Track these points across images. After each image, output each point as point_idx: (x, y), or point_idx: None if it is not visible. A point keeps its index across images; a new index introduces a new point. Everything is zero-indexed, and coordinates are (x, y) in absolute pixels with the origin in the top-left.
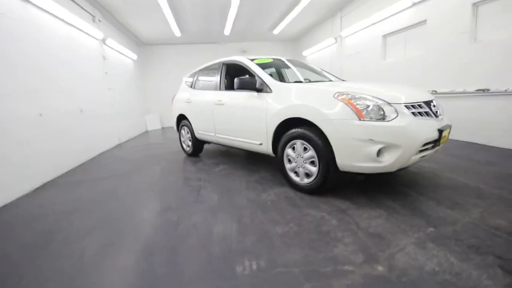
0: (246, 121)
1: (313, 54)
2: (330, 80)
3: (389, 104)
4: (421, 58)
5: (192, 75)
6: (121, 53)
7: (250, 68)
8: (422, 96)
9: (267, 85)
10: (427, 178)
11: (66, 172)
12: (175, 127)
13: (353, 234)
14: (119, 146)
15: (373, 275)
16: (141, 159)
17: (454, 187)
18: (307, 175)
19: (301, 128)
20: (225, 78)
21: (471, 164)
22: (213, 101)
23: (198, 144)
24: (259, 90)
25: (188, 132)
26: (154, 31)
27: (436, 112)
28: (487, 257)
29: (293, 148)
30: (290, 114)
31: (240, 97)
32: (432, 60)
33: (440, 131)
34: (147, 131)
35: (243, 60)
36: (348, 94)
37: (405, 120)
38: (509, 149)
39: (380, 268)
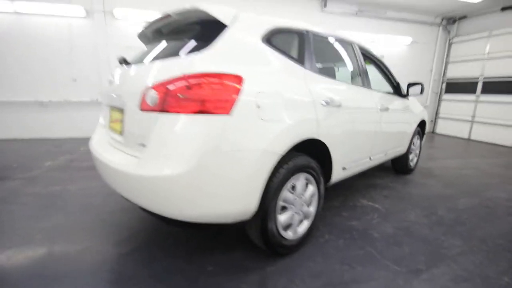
0: (399, 128)
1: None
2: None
3: None
4: None
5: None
6: None
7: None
8: None
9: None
10: None
11: None
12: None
13: None
14: None
15: None
16: None
17: None
18: None
19: None
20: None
21: None
22: (377, 106)
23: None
24: (405, 96)
25: (313, 183)
26: None
27: None
28: None
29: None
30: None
31: (397, 101)
32: None
33: None
34: None
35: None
36: None
37: None
38: None
39: None
